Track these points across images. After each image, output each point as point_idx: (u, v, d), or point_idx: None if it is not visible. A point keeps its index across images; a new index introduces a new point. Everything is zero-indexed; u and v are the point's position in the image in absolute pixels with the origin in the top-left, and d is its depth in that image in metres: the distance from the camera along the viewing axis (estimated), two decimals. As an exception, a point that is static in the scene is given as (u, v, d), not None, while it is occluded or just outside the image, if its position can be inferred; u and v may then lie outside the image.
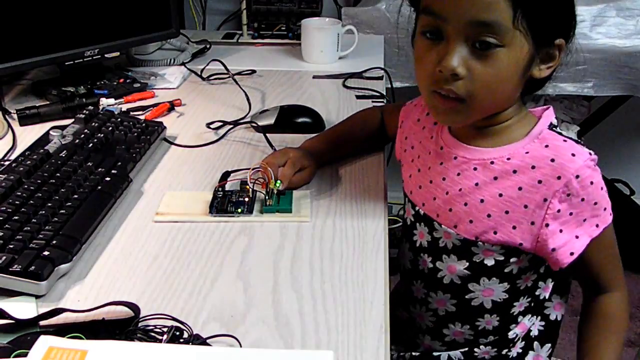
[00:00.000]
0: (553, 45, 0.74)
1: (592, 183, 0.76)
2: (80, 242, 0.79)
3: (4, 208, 0.80)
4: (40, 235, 0.77)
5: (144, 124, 1.10)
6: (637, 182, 2.25)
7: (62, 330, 0.65)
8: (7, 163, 0.95)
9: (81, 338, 0.63)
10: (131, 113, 1.21)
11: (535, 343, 0.91)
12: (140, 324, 0.67)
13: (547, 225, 0.76)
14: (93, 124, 1.06)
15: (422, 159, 0.88)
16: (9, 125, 1.15)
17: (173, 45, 1.58)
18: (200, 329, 0.67)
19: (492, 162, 0.79)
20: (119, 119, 1.10)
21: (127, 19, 1.37)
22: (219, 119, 1.18)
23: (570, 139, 0.78)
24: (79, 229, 0.80)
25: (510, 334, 0.89)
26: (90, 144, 1.00)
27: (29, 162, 0.91)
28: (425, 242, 0.87)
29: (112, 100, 1.24)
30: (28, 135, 1.12)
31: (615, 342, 0.85)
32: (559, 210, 0.76)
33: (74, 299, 0.72)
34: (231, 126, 1.16)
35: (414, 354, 0.95)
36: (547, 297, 0.90)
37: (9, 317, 0.67)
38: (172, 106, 1.25)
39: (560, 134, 0.78)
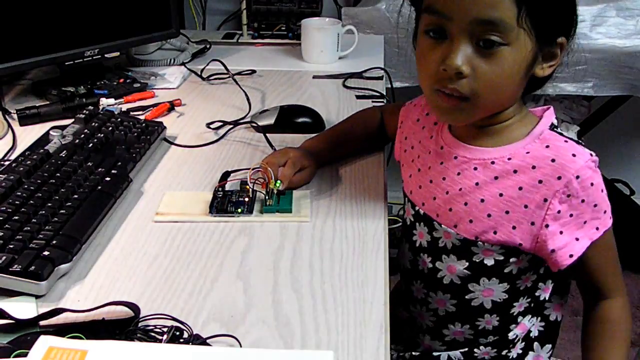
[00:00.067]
0: (555, 44, 0.75)
1: (592, 184, 0.75)
2: (80, 242, 0.79)
3: (4, 208, 0.80)
4: (40, 235, 0.77)
5: (144, 124, 1.10)
6: (637, 182, 2.25)
7: (62, 330, 0.65)
8: (7, 163, 0.95)
9: (81, 338, 0.63)
10: (131, 113, 1.21)
11: (536, 344, 0.91)
12: (140, 324, 0.67)
13: (547, 226, 0.76)
14: (93, 124, 1.06)
15: (422, 158, 0.88)
16: (9, 125, 1.15)
17: (173, 45, 1.58)
18: (200, 329, 0.67)
19: (492, 162, 0.79)
20: (119, 119, 1.10)
21: (127, 19, 1.37)
22: (219, 119, 1.18)
23: (572, 139, 0.78)
24: (79, 229, 0.80)
25: (511, 335, 0.89)
26: (90, 144, 1.00)
27: (29, 162, 0.91)
28: (425, 242, 0.87)
29: (112, 100, 1.24)
30: (28, 135, 1.12)
31: (621, 348, 0.84)
32: (559, 211, 0.75)
33: (74, 299, 0.72)
34: (231, 126, 1.16)
35: (413, 353, 0.95)
36: (547, 298, 0.90)
37: (9, 317, 0.67)
38: (172, 106, 1.25)
39: (561, 134, 0.78)
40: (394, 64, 1.68)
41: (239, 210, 0.88)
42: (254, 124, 1.15)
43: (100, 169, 0.93)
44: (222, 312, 0.70)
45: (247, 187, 0.93)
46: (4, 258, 0.72)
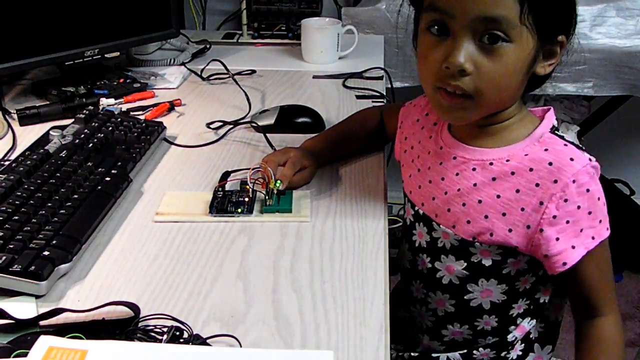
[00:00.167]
0: (555, 42, 0.75)
1: (588, 190, 0.74)
2: (80, 242, 0.79)
3: (4, 208, 0.80)
4: (40, 235, 0.77)
5: (144, 124, 1.10)
6: (637, 182, 2.25)
7: (62, 330, 0.65)
8: (7, 163, 0.95)
9: (81, 338, 0.63)
10: (131, 113, 1.21)
11: (536, 345, 0.91)
12: (140, 324, 0.67)
13: (541, 230, 0.75)
14: (93, 124, 1.06)
15: (421, 159, 0.88)
16: (9, 125, 1.15)
17: (173, 45, 1.58)
18: (200, 329, 0.67)
19: (491, 163, 0.79)
20: (119, 119, 1.10)
21: (127, 19, 1.37)
22: (219, 119, 1.18)
23: (572, 143, 0.77)
24: (79, 229, 0.80)
25: (510, 337, 0.89)
26: (90, 144, 1.00)
27: (29, 162, 0.91)
28: (424, 242, 0.87)
29: (112, 100, 1.24)
30: (28, 135, 1.13)
31: None
32: (554, 216, 0.75)
33: (74, 299, 0.72)
34: (231, 126, 1.16)
35: (412, 354, 0.95)
36: (546, 301, 0.89)
37: (9, 317, 0.67)
38: (172, 106, 1.25)
39: (562, 137, 0.78)
40: (394, 64, 1.68)
41: (239, 210, 0.88)
42: (254, 124, 1.15)
43: (100, 169, 0.93)
44: (222, 312, 0.70)
45: (247, 187, 0.93)
46: (4, 258, 0.72)
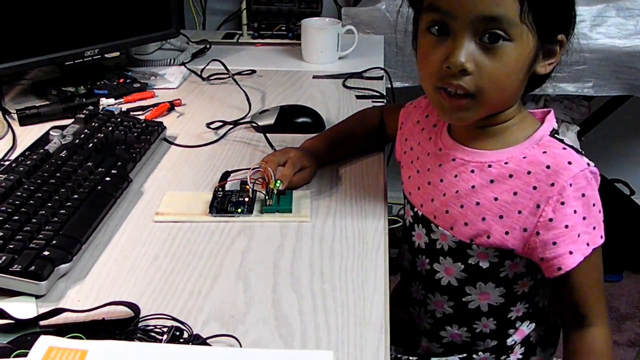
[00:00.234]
0: (555, 41, 0.75)
1: (583, 195, 0.74)
2: (80, 242, 0.79)
3: (4, 208, 0.80)
4: (40, 235, 0.77)
5: (144, 124, 1.10)
6: (637, 182, 2.25)
7: (62, 330, 0.65)
8: (7, 163, 0.95)
9: (81, 338, 0.63)
10: (131, 113, 1.21)
11: (538, 349, 0.90)
12: (140, 324, 0.67)
13: (537, 233, 0.75)
14: (93, 124, 1.06)
15: (421, 160, 0.88)
16: (9, 125, 1.15)
17: (173, 45, 1.58)
18: (200, 329, 0.67)
19: (489, 166, 0.78)
20: (119, 119, 1.10)
21: (127, 19, 1.37)
22: (219, 119, 1.18)
23: (572, 147, 0.77)
24: (79, 229, 0.80)
25: (509, 341, 0.88)
26: (90, 144, 1.00)
27: (29, 162, 0.91)
28: (423, 244, 0.87)
29: (112, 100, 1.24)
30: (28, 135, 1.13)
31: None
32: (551, 219, 0.74)
33: (74, 299, 0.72)
34: (231, 126, 1.16)
35: (411, 358, 0.94)
36: (546, 304, 0.89)
37: (9, 317, 0.67)
38: (172, 106, 1.25)
39: (561, 141, 0.77)
40: (394, 64, 1.68)
41: (239, 210, 0.88)
42: (254, 124, 1.15)
43: (100, 169, 0.93)
44: (222, 312, 0.70)
45: (247, 187, 0.93)
46: (4, 258, 0.72)
